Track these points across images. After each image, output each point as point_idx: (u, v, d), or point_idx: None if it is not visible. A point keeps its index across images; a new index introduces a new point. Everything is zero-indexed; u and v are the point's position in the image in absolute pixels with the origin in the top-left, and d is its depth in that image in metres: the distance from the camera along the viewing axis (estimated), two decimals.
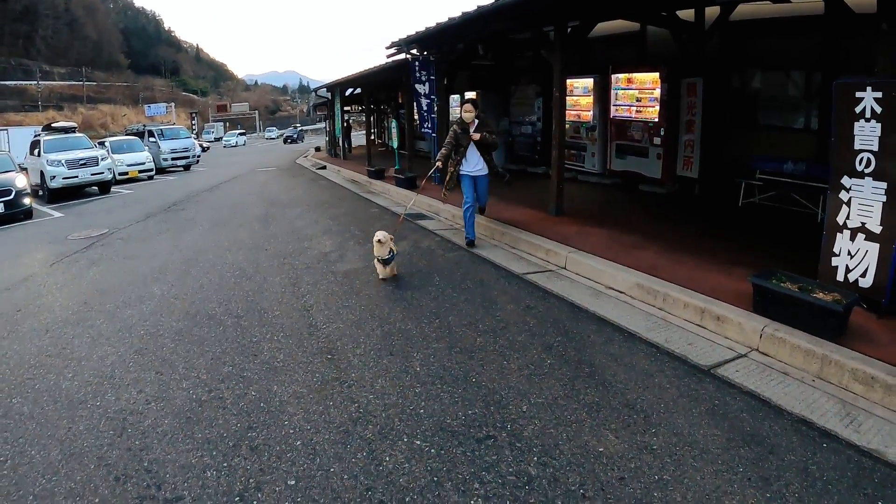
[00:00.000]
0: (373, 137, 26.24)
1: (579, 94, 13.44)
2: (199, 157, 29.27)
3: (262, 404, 3.89)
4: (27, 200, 14.64)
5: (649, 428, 3.57)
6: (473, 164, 8.12)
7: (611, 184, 13.15)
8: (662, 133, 11.80)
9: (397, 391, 4.01)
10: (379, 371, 4.32)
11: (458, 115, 8.66)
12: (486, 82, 17.18)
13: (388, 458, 3.25)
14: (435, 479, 3.07)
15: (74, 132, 20.92)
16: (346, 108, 29.50)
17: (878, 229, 5.19)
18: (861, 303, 5.39)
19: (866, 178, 5.17)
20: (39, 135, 20.48)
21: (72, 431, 3.71)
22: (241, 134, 68.99)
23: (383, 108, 33.56)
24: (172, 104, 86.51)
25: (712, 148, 11.62)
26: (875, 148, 5.07)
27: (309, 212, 12.14)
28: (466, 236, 8.26)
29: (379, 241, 6.38)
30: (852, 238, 5.38)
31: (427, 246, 8.17)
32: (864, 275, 5.35)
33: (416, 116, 16.05)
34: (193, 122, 73.10)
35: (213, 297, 6.25)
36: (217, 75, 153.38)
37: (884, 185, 5.04)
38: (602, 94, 12.82)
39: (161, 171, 25.28)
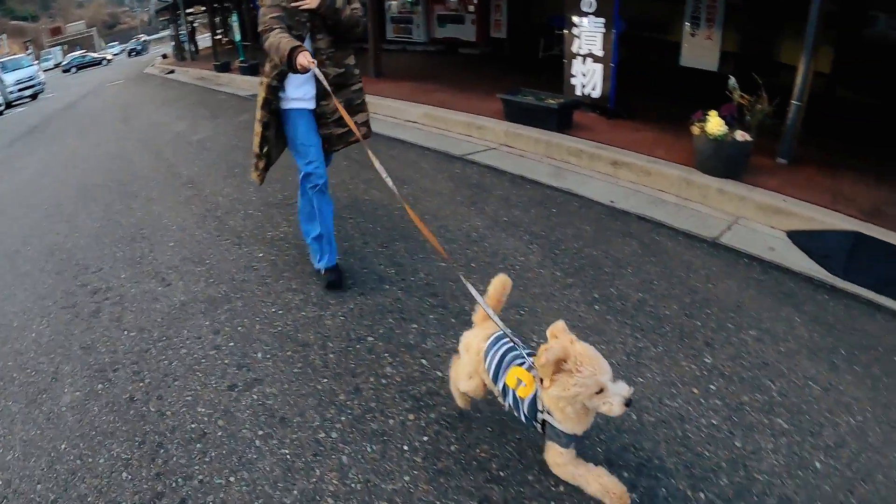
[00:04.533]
0: (219, 37, 26.39)
1: None
2: (44, 83, 28.56)
3: (146, 217, 5.53)
4: None
5: (402, 185, 5.48)
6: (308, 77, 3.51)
7: (435, 50, 14.76)
8: (475, 1, 13.51)
9: (237, 193, 5.77)
10: (225, 186, 6.05)
11: None
12: None
13: (231, 222, 5.06)
14: (260, 226, 4.93)
15: None
16: (189, 11, 29.11)
17: (601, 53, 7.12)
18: (595, 109, 7.33)
19: (590, 16, 7.02)
20: None
21: (14, 266, 5.13)
22: (83, 55, 65.00)
23: (226, 6, 33.07)
24: (3, 36, 79.44)
25: (518, 11, 13.40)
26: None
27: (162, 107, 13.16)
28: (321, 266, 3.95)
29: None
30: (584, 62, 7.33)
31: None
32: (594, 88, 7.35)
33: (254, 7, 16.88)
34: (29, 51, 67.90)
35: (96, 175, 7.59)
36: None
37: (602, 20, 6.90)
38: None
39: (9, 105, 24.69)
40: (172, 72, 22.04)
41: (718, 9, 9.30)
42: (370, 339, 3.31)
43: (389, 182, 2.96)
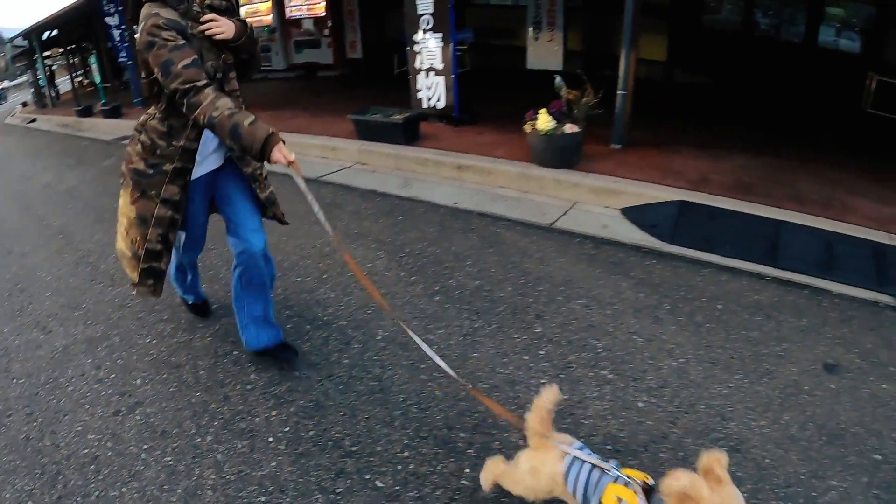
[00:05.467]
0: (80, 79, 25.47)
1: (259, 1, 14.84)
2: None
3: (21, 272, 5.59)
4: None
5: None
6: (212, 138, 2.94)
7: (295, 76, 14.95)
8: (330, 24, 13.86)
9: (106, 237, 5.85)
10: (95, 233, 6.18)
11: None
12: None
13: (103, 266, 5.26)
14: None
15: None
16: (46, 54, 27.82)
17: (441, 66, 7.69)
18: (441, 119, 7.82)
19: (429, 32, 7.57)
20: None
21: None
22: None
23: (85, 46, 31.83)
24: None
25: (372, 30, 13.81)
26: (432, 11, 7.32)
27: (26, 159, 12.75)
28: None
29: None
30: (427, 76, 7.89)
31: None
32: (439, 100, 7.90)
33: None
34: None
35: None
36: None
37: (440, 34, 7.47)
38: None
39: None
40: (34, 120, 20.97)
41: (557, 12, 10.09)
42: (235, 352, 3.72)
43: (414, 335, 2.57)
